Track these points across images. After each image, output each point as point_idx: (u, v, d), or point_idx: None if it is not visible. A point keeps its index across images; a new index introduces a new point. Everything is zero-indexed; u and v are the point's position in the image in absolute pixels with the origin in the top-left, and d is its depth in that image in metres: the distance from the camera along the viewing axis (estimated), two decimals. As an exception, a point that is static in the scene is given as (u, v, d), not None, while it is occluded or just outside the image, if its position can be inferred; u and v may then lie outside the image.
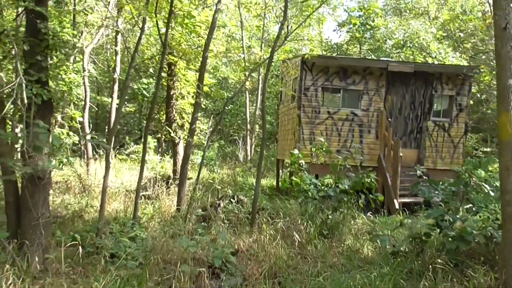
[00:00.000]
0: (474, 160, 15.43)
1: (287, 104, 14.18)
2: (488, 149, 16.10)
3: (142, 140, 8.37)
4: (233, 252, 5.78)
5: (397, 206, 10.93)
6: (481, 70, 12.10)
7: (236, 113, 26.05)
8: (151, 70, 16.83)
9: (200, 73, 8.65)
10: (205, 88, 11.21)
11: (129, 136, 22.05)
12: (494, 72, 18.55)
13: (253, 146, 19.70)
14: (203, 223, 7.79)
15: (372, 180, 8.00)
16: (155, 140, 17.11)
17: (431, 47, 17.31)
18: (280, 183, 13.67)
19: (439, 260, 5.71)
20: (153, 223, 8.64)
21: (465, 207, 6.40)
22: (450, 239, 5.74)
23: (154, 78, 18.88)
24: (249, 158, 18.65)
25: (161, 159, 16.67)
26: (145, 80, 21.15)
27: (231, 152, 25.40)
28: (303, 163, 8.67)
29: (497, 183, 12.22)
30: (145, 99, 22.35)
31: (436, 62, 16.83)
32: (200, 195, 9.48)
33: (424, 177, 12.32)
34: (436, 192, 6.41)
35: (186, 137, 12.59)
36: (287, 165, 8.88)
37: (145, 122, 25.82)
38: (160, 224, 8.28)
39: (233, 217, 7.86)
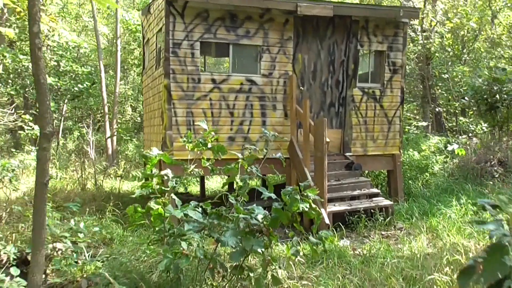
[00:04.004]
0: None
1: (151, 72, 9.54)
2: (424, 123, 13.04)
3: None
4: None
5: (326, 220, 7.02)
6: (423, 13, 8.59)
7: (98, 94, 20.50)
8: None
9: None
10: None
11: None
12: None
13: (116, 135, 14.66)
14: None
15: (313, 206, 3.83)
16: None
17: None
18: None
19: None
20: None
21: None
22: None
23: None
24: (110, 152, 13.71)
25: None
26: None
27: (97, 142, 19.95)
28: (170, 175, 4.22)
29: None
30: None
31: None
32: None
33: (355, 169, 8.62)
34: None
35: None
36: (138, 180, 4.28)
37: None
38: None
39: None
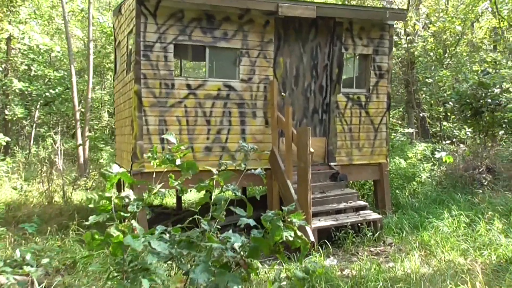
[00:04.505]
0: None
1: (122, 76, 8.90)
2: (411, 130, 12.61)
3: None
4: None
5: (311, 237, 6.48)
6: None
7: (71, 98, 19.64)
8: None
9: None
10: None
11: None
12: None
13: (87, 143, 13.90)
14: None
15: (298, 234, 3.27)
16: None
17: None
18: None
19: None
20: None
21: None
22: None
23: None
24: (81, 160, 12.96)
25: None
26: None
27: (72, 150, 19.11)
28: (132, 197, 3.62)
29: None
30: None
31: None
32: None
33: (341, 179, 8.12)
34: None
35: None
36: (94, 204, 3.67)
37: None
38: None
39: None
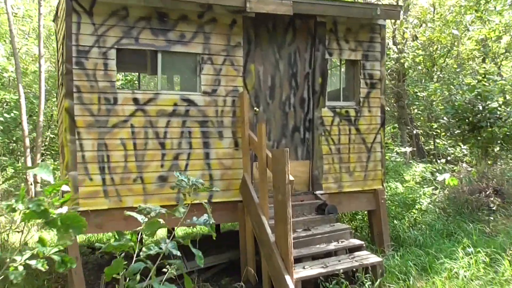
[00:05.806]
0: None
1: (60, 91, 7.35)
2: (407, 149, 11.20)
3: None
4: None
5: (294, 292, 4.92)
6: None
7: (33, 123, 17.93)
8: None
9: None
10: None
11: None
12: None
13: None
14: None
15: None
16: None
17: None
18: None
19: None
20: None
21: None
22: None
23: None
24: (32, 193, 11.26)
25: None
26: None
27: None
28: None
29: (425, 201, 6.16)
30: None
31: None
32: None
33: (329, 212, 6.61)
34: None
35: None
36: None
37: None
38: None
39: None
